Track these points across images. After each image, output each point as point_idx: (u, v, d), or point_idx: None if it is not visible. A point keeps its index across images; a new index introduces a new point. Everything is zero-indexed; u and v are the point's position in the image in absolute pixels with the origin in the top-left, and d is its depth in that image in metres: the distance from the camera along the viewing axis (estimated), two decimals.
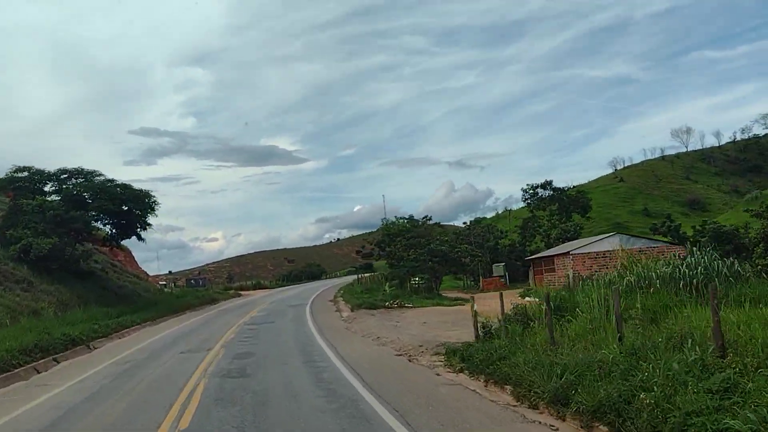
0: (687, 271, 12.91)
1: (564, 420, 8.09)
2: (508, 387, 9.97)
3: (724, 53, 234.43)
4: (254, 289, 77.85)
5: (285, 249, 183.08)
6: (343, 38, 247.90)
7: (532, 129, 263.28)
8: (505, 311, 14.13)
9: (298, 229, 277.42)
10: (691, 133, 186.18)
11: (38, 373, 16.61)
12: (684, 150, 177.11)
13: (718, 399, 6.29)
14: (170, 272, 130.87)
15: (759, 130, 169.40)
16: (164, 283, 77.06)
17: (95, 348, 22.21)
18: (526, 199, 65.63)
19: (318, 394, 10.72)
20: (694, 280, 12.36)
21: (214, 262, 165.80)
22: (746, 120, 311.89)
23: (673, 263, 14.02)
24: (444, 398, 9.99)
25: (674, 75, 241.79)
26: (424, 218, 53.40)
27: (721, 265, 13.12)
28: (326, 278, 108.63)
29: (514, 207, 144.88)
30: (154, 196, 39.30)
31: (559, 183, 64.64)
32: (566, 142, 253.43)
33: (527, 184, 64.49)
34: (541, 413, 8.64)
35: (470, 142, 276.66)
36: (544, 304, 12.47)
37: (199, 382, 12.51)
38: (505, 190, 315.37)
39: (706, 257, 13.53)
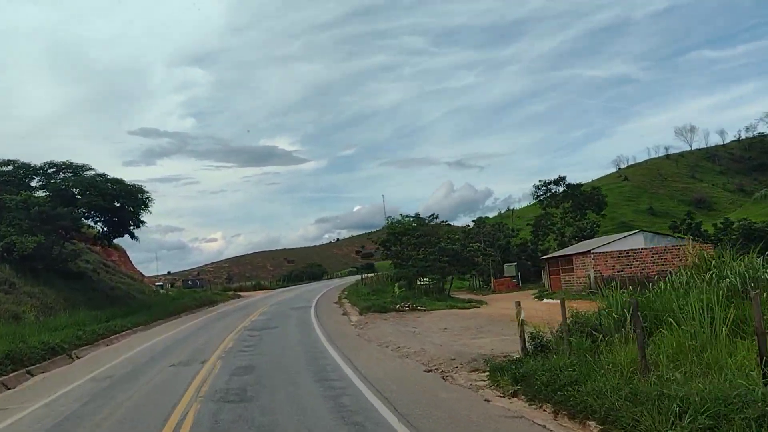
0: None
1: None
2: (591, 423, 7.56)
3: (723, 53, 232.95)
4: (254, 290, 75.45)
5: (285, 249, 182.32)
6: (342, 38, 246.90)
7: (531, 129, 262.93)
8: (551, 318, 11.80)
9: (298, 230, 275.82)
10: (695, 131, 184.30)
11: (7, 389, 14.28)
12: (688, 148, 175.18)
13: None
14: (169, 273, 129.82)
15: (763, 128, 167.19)
16: (161, 283, 74.60)
17: (77, 358, 19.86)
18: (538, 196, 63.07)
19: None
20: None
21: (213, 263, 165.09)
22: (745, 119, 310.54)
23: None
24: None
25: (674, 75, 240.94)
26: (430, 216, 50.98)
27: None
28: (327, 278, 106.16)
29: (516, 206, 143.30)
30: (147, 192, 37.02)
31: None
32: (566, 142, 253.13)
33: (539, 180, 62.06)
34: None
35: (470, 142, 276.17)
36: (616, 311, 10.13)
37: (189, 408, 10.11)
38: (504, 190, 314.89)
39: None
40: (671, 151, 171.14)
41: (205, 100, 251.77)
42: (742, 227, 39.56)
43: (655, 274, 34.44)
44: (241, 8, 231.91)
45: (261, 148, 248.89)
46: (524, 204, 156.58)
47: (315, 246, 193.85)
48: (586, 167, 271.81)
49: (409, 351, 15.62)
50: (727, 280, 10.07)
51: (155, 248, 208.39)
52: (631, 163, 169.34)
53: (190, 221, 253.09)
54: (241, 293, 65.94)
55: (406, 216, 49.87)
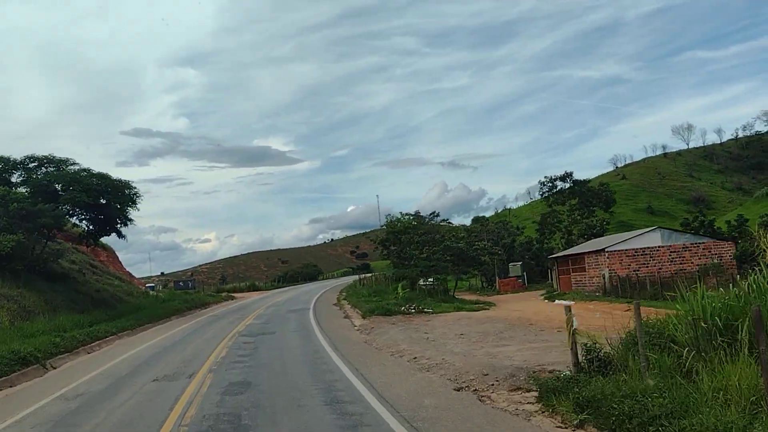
0: None
1: None
2: None
3: (716, 53, 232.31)
4: (248, 291, 73.07)
5: (279, 250, 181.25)
6: (335, 39, 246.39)
7: (525, 129, 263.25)
8: (606, 330, 9.76)
9: (292, 230, 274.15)
10: (692, 130, 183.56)
11: None
12: (685, 147, 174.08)
13: None
14: (162, 273, 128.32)
15: (761, 127, 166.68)
16: (152, 285, 72.26)
17: (53, 368, 17.82)
18: (543, 193, 60.97)
19: None
20: None
21: (207, 264, 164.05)
22: (738, 120, 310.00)
23: None
24: None
25: (666, 75, 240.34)
26: (431, 214, 48.91)
27: None
28: (323, 279, 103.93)
29: (512, 206, 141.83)
30: (135, 188, 34.82)
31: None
32: (558, 142, 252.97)
33: (545, 176, 59.94)
34: None
35: (463, 143, 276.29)
36: (705, 318, 8.12)
37: None
38: (498, 190, 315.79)
39: None
40: (668, 150, 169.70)
41: (198, 101, 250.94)
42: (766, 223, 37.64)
43: (672, 274, 32.64)
44: (234, 9, 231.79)
45: (254, 148, 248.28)
46: (521, 203, 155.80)
47: (309, 246, 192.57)
48: (578, 167, 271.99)
49: (429, 362, 13.54)
50: None
51: (149, 249, 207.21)
52: (628, 161, 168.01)
53: (183, 222, 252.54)
54: (235, 294, 63.63)
55: (406, 214, 47.82)
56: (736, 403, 6.45)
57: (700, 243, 34.70)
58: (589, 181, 61.89)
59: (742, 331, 7.51)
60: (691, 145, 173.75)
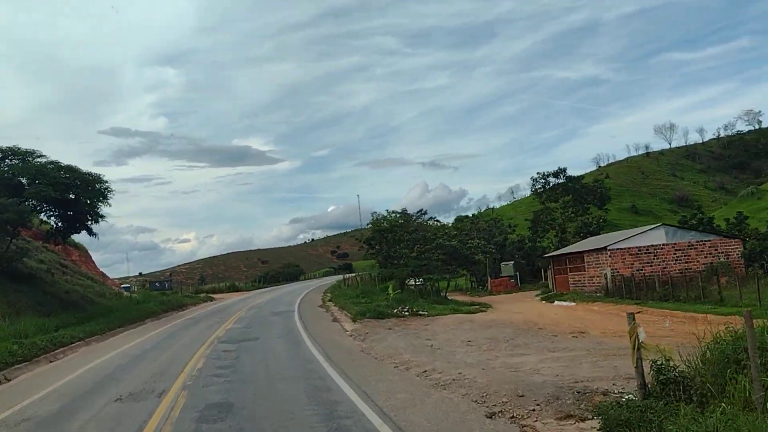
0: None
1: None
2: None
3: (693, 55, 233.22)
4: (228, 292, 70.48)
5: (259, 250, 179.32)
6: (315, 39, 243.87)
7: (505, 129, 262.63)
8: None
9: (272, 230, 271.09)
10: (674, 129, 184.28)
11: None
12: (668, 146, 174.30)
13: None
14: (141, 274, 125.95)
15: (742, 127, 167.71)
16: (128, 285, 69.43)
17: (6, 380, 15.75)
18: (535, 189, 59.04)
19: None
20: None
21: (186, 264, 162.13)
22: (716, 121, 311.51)
23: None
24: None
25: (645, 76, 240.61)
26: (418, 212, 46.83)
27: None
28: (305, 279, 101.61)
29: (493, 206, 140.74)
30: (106, 182, 32.43)
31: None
32: (538, 143, 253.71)
33: (537, 173, 58.06)
34: None
35: (444, 143, 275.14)
36: None
37: None
38: (479, 190, 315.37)
39: None
40: (650, 150, 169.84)
41: (177, 100, 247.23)
42: None
43: (677, 273, 30.96)
44: (212, 8, 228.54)
45: (234, 148, 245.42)
46: (504, 203, 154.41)
47: (290, 246, 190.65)
48: (559, 167, 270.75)
49: (443, 377, 11.50)
50: None
51: (127, 249, 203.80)
52: (611, 161, 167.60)
53: (162, 222, 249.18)
54: (214, 295, 61.09)
55: (393, 212, 45.70)
56: None
57: (706, 241, 33.02)
58: (583, 177, 60.19)
59: None
60: (674, 144, 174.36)
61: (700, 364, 7.59)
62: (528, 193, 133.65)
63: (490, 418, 8.52)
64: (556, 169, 55.67)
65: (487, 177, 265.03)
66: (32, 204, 30.93)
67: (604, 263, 32.98)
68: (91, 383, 13.81)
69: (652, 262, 32.27)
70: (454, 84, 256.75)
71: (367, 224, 49.35)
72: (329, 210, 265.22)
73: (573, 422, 7.93)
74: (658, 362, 7.74)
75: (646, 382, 7.83)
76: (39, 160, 31.38)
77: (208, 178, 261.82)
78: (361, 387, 11.02)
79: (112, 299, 40.00)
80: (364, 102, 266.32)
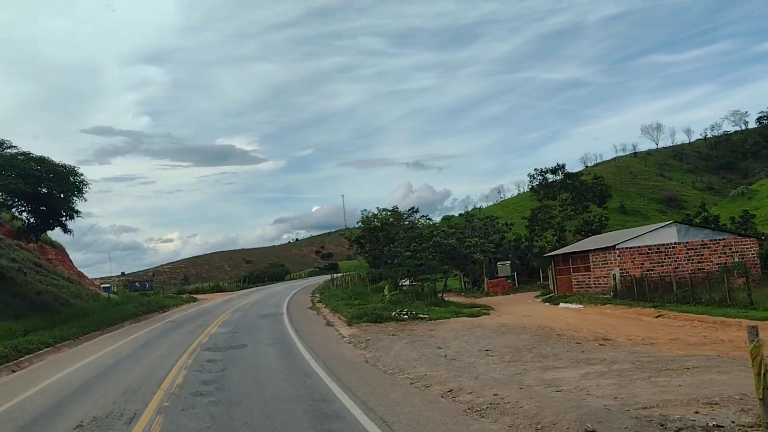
0: None
1: None
2: None
3: (675, 57, 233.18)
4: (212, 292, 68.01)
5: (243, 249, 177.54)
6: (299, 39, 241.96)
7: (489, 130, 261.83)
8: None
9: (256, 230, 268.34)
10: (661, 129, 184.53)
11: None
12: (655, 147, 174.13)
13: None
14: (123, 274, 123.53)
15: (729, 127, 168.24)
16: (107, 285, 66.65)
17: None
18: (533, 186, 57.18)
19: None
20: None
21: (169, 263, 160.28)
22: (700, 122, 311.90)
23: None
24: None
25: (627, 78, 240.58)
26: (410, 210, 44.91)
27: None
28: (290, 279, 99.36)
29: (483, 205, 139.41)
30: (81, 175, 30.20)
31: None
32: (522, 144, 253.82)
33: (535, 169, 56.51)
34: None
35: (428, 144, 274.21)
36: None
37: None
38: (463, 190, 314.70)
39: None
40: (638, 150, 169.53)
41: (161, 99, 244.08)
42: None
43: (690, 273, 29.22)
44: (196, 7, 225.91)
45: (218, 147, 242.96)
46: (491, 203, 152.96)
47: (274, 246, 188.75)
48: (557, 164, 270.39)
49: (476, 399, 9.49)
50: None
51: (109, 249, 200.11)
52: (598, 161, 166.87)
53: (145, 221, 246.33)
54: (197, 296, 58.69)
55: (383, 209, 43.74)
56: None
57: (719, 239, 31.30)
58: (581, 173, 58.47)
59: None
60: (661, 144, 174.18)
61: None
62: (515, 193, 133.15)
63: None
64: (554, 165, 54.17)
65: (471, 177, 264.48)
66: (1, 197, 28.70)
67: (612, 263, 31.18)
68: (51, 401, 11.71)
69: (663, 262, 30.52)
70: (439, 85, 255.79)
71: (357, 222, 47.37)
72: (313, 210, 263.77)
73: None
74: None
75: None
76: (9, 151, 29.08)
77: (191, 177, 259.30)
78: (376, 413, 9.01)
79: (88, 300, 37.63)
80: (348, 102, 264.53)
